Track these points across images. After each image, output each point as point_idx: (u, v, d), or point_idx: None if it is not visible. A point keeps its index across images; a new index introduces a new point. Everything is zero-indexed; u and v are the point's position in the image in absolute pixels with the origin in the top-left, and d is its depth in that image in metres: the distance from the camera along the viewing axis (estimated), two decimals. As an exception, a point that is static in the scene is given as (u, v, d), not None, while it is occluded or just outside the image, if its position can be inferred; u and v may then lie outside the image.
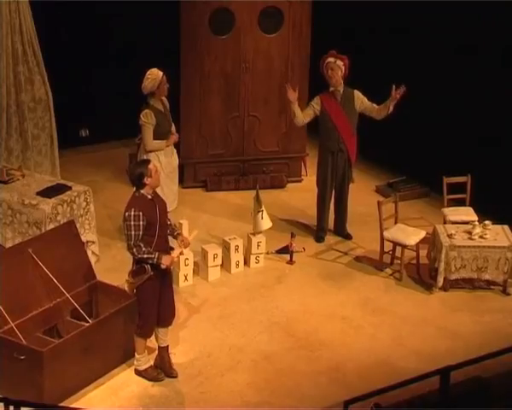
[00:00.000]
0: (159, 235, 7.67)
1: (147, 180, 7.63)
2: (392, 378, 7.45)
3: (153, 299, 7.80)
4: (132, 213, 7.57)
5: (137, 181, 7.69)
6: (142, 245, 7.59)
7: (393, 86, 9.96)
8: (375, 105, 10.20)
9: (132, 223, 7.56)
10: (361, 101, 10.22)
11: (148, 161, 7.87)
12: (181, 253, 8.19)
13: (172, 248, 7.98)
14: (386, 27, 11.80)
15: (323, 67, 10.16)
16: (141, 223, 7.55)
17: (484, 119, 10.90)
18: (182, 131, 11.03)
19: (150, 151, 9.69)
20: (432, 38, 11.34)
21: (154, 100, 9.69)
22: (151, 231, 7.63)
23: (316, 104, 10.24)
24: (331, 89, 10.18)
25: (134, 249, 7.60)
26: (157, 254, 7.62)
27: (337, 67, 10.06)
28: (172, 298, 8.02)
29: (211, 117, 11.74)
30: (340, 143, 10.22)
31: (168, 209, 8.23)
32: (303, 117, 10.29)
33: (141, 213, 7.55)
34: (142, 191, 7.67)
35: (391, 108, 10.11)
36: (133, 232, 7.57)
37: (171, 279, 8.09)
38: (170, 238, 8.05)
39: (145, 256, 7.61)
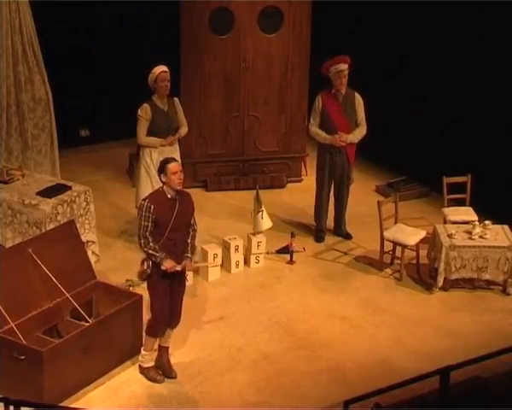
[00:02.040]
0: (168, 237, 7.61)
1: (163, 177, 7.60)
2: (392, 378, 7.45)
3: (163, 299, 7.75)
4: (145, 203, 7.57)
5: (158, 175, 7.70)
6: (150, 239, 7.57)
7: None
8: (361, 122, 10.20)
9: (143, 213, 7.55)
10: (358, 106, 10.19)
11: (170, 160, 7.70)
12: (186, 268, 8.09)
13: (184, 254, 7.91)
14: (386, 27, 11.80)
15: (333, 71, 10.03)
16: (150, 215, 7.53)
17: (484, 119, 10.90)
18: (182, 131, 11.04)
19: (142, 145, 9.70)
20: (432, 37, 11.34)
21: (157, 97, 9.69)
22: (159, 229, 7.59)
23: (318, 104, 10.19)
24: (333, 90, 10.14)
25: (142, 241, 7.59)
26: (163, 254, 7.57)
27: (347, 73, 10.03)
28: (181, 301, 7.96)
29: (211, 117, 11.75)
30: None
31: None
32: (317, 130, 10.25)
33: (152, 207, 7.52)
34: (164, 187, 7.65)
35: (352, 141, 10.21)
36: (142, 222, 7.56)
37: (185, 283, 8.02)
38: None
39: (150, 252, 7.59)
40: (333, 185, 10.50)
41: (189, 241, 7.86)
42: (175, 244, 7.70)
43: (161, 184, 7.68)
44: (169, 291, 7.78)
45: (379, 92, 10.86)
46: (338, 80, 10.05)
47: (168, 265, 7.59)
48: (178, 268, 7.67)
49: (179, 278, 7.84)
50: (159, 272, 7.64)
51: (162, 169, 7.59)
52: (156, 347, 8.06)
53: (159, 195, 7.67)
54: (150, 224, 7.55)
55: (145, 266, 7.67)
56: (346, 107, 10.17)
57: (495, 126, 10.78)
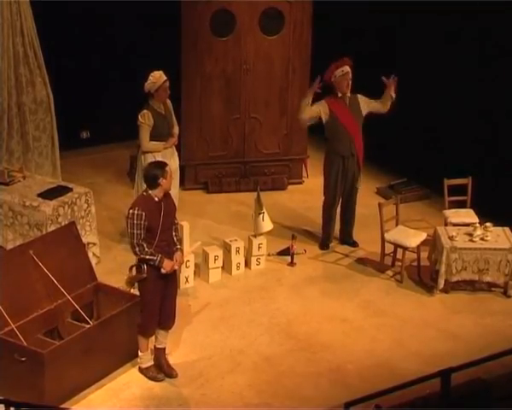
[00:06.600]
0: (160, 239, 7.67)
1: (162, 181, 7.61)
2: (392, 380, 7.46)
3: (154, 299, 7.79)
4: (136, 211, 7.57)
5: (152, 181, 7.65)
6: (144, 245, 7.60)
7: (384, 78, 9.96)
8: (377, 101, 10.12)
9: (135, 222, 7.56)
10: (365, 102, 10.11)
11: (165, 164, 7.83)
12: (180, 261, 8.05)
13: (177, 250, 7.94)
14: (387, 28, 11.80)
15: (338, 74, 9.91)
16: (142, 223, 7.55)
17: (485, 120, 10.90)
18: (182, 133, 11.02)
19: (146, 152, 9.71)
20: (433, 39, 11.35)
21: (154, 101, 9.70)
22: (151, 234, 7.63)
23: (323, 109, 10.01)
24: (339, 94, 10.04)
25: (136, 249, 7.62)
26: (160, 256, 7.63)
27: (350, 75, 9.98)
28: (174, 302, 8.01)
29: (212, 119, 11.74)
30: (352, 148, 10.06)
31: None
32: (310, 114, 10.01)
33: (144, 214, 7.55)
34: (150, 192, 7.66)
35: (393, 95, 10.05)
36: (135, 231, 7.57)
37: (176, 283, 8.11)
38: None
39: (147, 257, 7.62)
40: (342, 192, 10.28)
41: (174, 234, 7.91)
42: (168, 244, 7.78)
43: (152, 191, 7.65)
44: (161, 293, 7.82)
45: (379, 93, 10.83)
46: (344, 82, 9.94)
47: (168, 266, 7.68)
48: (176, 267, 7.82)
49: (172, 278, 7.92)
50: (156, 274, 7.68)
51: (159, 175, 7.59)
52: (152, 346, 8.08)
53: (146, 200, 7.67)
54: (142, 231, 7.58)
55: (141, 272, 7.69)
56: (353, 109, 10.07)
57: (495, 128, 10.78)
